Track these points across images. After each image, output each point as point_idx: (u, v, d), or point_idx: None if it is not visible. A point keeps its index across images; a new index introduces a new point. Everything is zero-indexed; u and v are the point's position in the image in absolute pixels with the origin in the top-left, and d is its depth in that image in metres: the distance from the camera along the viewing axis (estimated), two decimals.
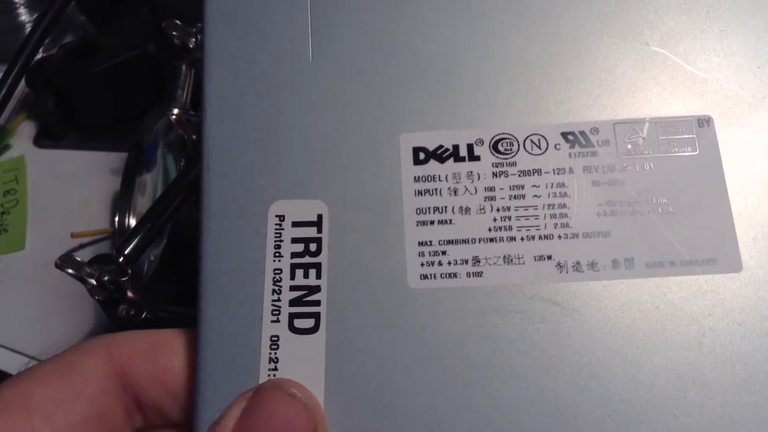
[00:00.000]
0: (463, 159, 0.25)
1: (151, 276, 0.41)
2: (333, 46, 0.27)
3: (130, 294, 0.36)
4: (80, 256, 0.44)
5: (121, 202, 0.45)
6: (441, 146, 0.25)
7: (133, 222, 0.44)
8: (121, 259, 0.35)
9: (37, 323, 0.43)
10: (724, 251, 0.23)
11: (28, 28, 0.54)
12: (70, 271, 0.35)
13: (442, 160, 0.25)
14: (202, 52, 0.27)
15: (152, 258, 0.41)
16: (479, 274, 0.24)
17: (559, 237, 0.24)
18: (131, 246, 0.36)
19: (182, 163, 0.40)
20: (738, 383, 0.22)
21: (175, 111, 0.41)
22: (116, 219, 0.45)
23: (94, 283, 0.35)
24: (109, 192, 0.48)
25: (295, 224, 0.25)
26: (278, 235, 0.25)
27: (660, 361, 0.22)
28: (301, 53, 0.27)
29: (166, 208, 0.36)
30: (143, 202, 0.45)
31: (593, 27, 0.26)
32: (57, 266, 0.35)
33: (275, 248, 0.24)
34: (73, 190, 0.49)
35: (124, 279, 0.35)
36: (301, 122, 0.26)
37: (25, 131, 0.53)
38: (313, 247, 0.24)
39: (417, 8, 0.27)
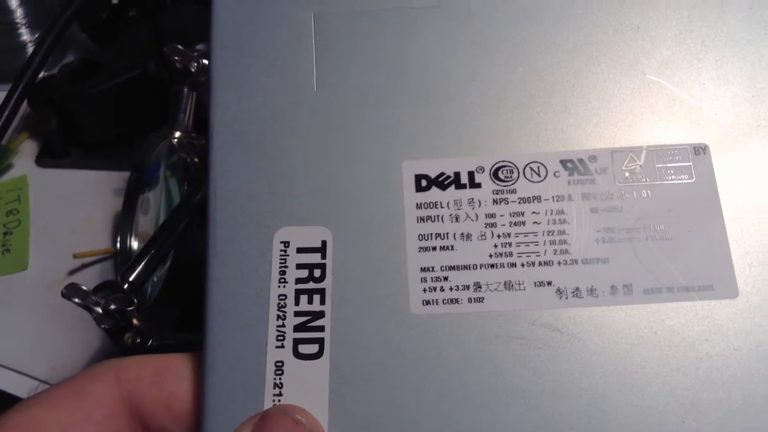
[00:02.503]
0: (464, 186, 0.26)
1: (155, 298, 0.41)
2: (337, 76, 0.27)
3: (135, 322, 0.36)
4: (83, 276, 0.45)
5: (123, 222, 0.45)
6: (442, 173, 0.26)
7: (135, 242, 0.45)
8: (126, 286, 0.35)
9: (41, 344, 0.43)
10: (721, 277, 0.24)
11: (29, 48, 0.55)
12: (76, 300, 0.35)
13: (443, 187, 0.26)
14: (209, 80, 0.28)
15: (156, 279, 0.42)
16: (480, 300, 0.24)
17: (559, 263, 0.24)
18: (136, 272, 0.36)
19: (185, 187, 0.40)
20: (735, 408, 0.23)
21: (177, 134, 0.41)
22: (118, 239, 0.45)
23: (100, 311, 0.35)
24: (111, 211, 0.48)
25: (299, 250, 0.25)
26: (283, 261, 0.25)
27: (658, 386, 0.23)
28: (305, 82, 0.27)
29: (170, 233, 0.37)
30: (145, 220, 0.45)
31: (591, 56, 0.27)
32: (63, 295, 0.35)
33: (280, 274, 0.25)
34: (76, 209, 0.49)
35: (130, 309, 0.35)
36: (305, 150, 0.26)
37: (27, 151, 0.53)
38: (317, 273, 0.25)
39: (418, 39, 0.27)
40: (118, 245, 0.45)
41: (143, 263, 0.36)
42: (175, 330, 0.40)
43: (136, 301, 0.34)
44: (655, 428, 0.23)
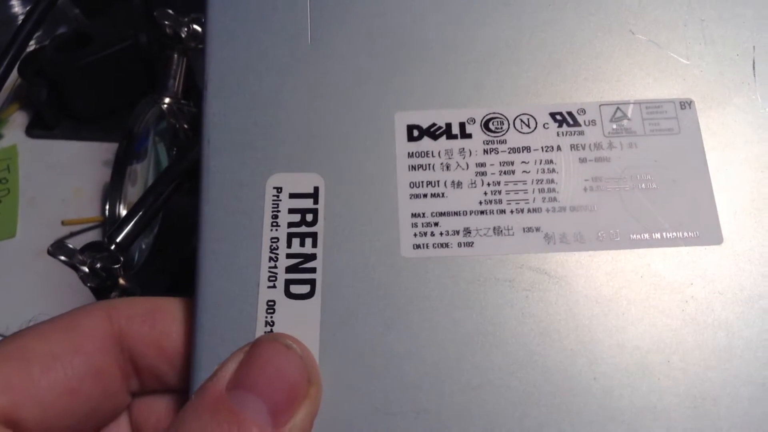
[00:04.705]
0: (455, 136, 0.26)
1: (142, 266, 0.41)
2: (330, 29, 0.28)
3: (122, 281, 0.36)
4: (72, 244, 0.45)
5: (112, 191, 0.45)
6: (434, 124, 0.26)
7: (123, 211, 0.45)
8: (113, 247, 0.35)
9: (27, 310, 0.43)
10: (706, 225, 0.24)
11: (20, 20, 0.55)
12: (62, 258, 0.35)
13: (435, 137, 0.26)
14: (204, 32, 0.28)
15: (143, 247, 0.42)
16: (470, 245, 0.25)
17: (547, 210, 0.25)
18: (123, 233, 0.36)
19: (174, 152, 0.40)
20: (720, 349, 0.23)
21: (167, 100, 0.41)
22: (107, 208, 0.45)
23: (86, 270, 0.35)
24: (100, 182, 0.48)
25: (292, 196, 0.25)
26: (275, 205, 0.25)
27: (644, 327, 0.23)
28: (299, 36, 0.28)
29: (158, 196, 0.37)
30: (134, 191, 0.45)
31: (580, 15, 0.27)
32: (49, 253, 0.35)
33: (272, 218, 0.25)
34: (65, 179, 0.49)
35: (116, 266, 0.35)
36: (299, 100, 0.27)
37: (17, 121, 0.53)
38: (309, 217, 0.25)
39: None
40: (107, 213, 0.44)
41: (130, 225, 0.36)
42: None
43: (122, 258, 0.34)
44: (640, 367, 0.23)
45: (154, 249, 0.41)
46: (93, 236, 0.46)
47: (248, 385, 0.21)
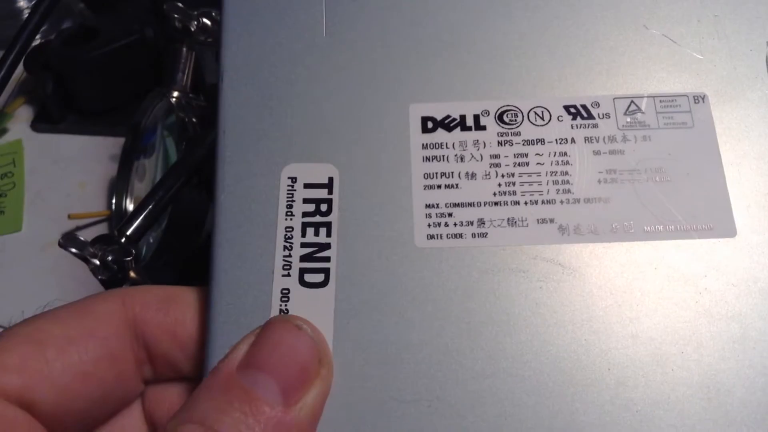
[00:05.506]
0: (469, 128, 0.26)
1: (149, 260, 0.41)
2: (345, 21, 0.28)
3: (132, 274, 0.36)
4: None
5: (119, 186, 0.45)
6: (448, 116, 0.26)
7: (130, 205, 0.45)
8: (123, 240, 0.35)
9: (33, 304, 0.43)
10: (719, 218, 0.25)
11: (26, 14, 0.55)
12: (73, 250, 0.35)
13: (449, 129, 0.26)
14: (220, 24, 0.28)
15: (151, 241, 0.42)
16: (484, 235, 0.25)
17: (561, 202, 0.25)
18: (133, 227, 0.36)
19: (183, 146, 0.40)
20: (734, 340, 0.23)
21: (175, 93, 0.42)
22: (113, 202, 0.45)
23: (98, 262, 0.35)
24: (106, 176, 0.48)
25: (306, 186, 0.25)
26: (290, 195, 0.25)
27: (658, 319, 0.23)
28: (315, 28, 0.28)
29: (167, 190, 0.37)
30: (141, 186, 0.45)
31: (594, 11, 0.27)
32: (60, 245, 0.35)
33: (287, 207, 0.25)
34: (70, 173, 0.49)
35: (127, 259, 0.35)
36: (314, 92, 0.27)
37: (23, 115, 0.53)
38: (323, 207, 0.25)
39: None
40: (114, 207, 0.44)
41: (140, 218, 0.36)
42: None
43: (133, 251, 0.34)
44: (654, 358, 0.23)
45: (162, 243, 0.41)
46: (99, 230, 0.46)
47: (259, 365, 0.21)
